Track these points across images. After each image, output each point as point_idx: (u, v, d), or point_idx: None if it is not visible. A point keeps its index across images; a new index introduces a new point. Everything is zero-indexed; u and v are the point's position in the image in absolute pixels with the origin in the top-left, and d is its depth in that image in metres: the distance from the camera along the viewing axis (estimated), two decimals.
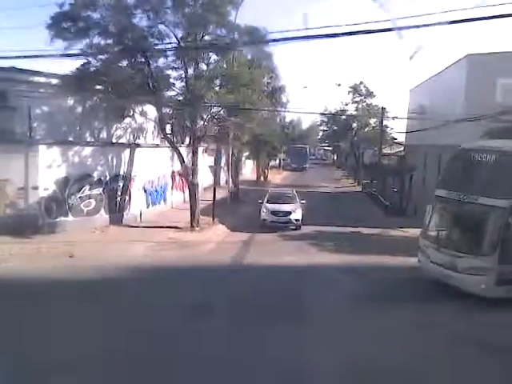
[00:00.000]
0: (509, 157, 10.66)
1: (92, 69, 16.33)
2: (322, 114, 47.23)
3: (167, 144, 19.92)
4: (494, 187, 10.51)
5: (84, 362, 6.54)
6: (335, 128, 50.53)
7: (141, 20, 16.39)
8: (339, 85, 43.85)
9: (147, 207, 20.04)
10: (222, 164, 29.35)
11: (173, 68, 17.46)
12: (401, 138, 40.70)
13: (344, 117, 46.04)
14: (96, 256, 13.19)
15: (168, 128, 20.90)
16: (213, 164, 25.35)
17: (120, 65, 16.85)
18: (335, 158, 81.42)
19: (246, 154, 32.84)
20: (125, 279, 11.19)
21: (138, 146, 19.22)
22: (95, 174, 17.24)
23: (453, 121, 20.69)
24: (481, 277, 9.98)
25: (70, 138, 16.39)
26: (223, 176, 29.37)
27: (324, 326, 8.55)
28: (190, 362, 6.75)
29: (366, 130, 45.42)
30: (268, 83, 26.75)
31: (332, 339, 7.79)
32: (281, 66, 65.11)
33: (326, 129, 56.16)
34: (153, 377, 6.34)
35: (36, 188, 15.26)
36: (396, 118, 38.98)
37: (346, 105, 45.65)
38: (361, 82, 44.49)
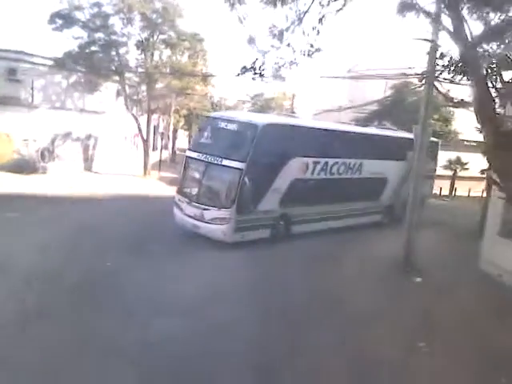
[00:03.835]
0: (244, 126, 12.35)
1: (74, 53, 22.22)
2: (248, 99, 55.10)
3: (122, 113, 26.27)
4: (233, 151, 12.03)
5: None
6: (257, 106, 58.21)
7: (117, 22, 22.67)
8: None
9: (108, 160, 26.23)
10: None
11: (136, 58, 23.94)
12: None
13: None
14: (87, 188, 19.59)
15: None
16: (154, 131, 31.67)
17: (94, 51, 22.81)
18: None
19: (181, 124, 39.11)
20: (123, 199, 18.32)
21: (103, 113, 25.25)
22: (74, 133, 23.31)
23: (335, 109, 28.92)
24: (223, 225, 11.71)
25: (57, 105, 22.21)
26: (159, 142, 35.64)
27: None
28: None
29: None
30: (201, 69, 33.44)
31: None
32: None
33: (249, 107, 63.63)
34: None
35: (35, 140, 21.23)
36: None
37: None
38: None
